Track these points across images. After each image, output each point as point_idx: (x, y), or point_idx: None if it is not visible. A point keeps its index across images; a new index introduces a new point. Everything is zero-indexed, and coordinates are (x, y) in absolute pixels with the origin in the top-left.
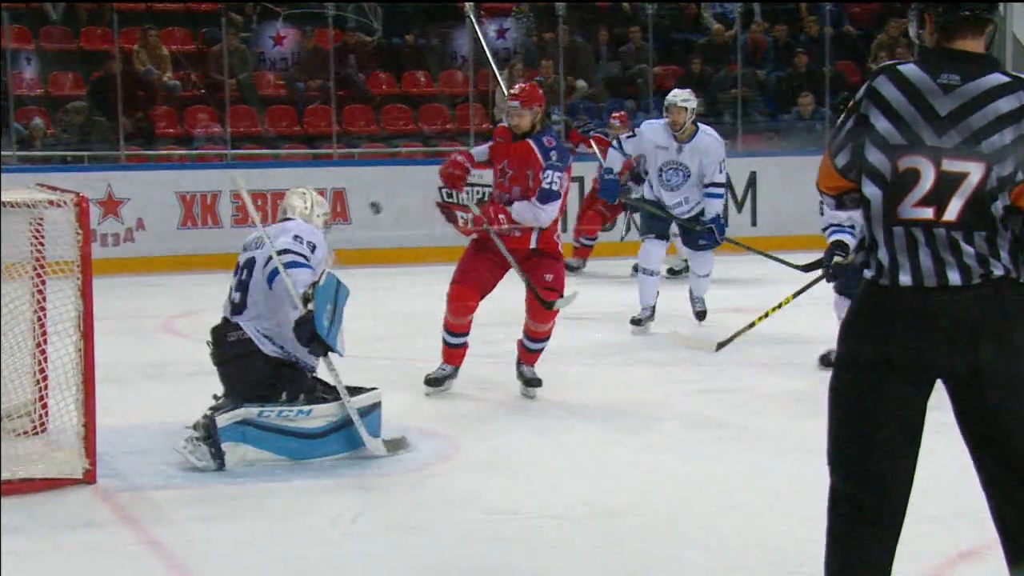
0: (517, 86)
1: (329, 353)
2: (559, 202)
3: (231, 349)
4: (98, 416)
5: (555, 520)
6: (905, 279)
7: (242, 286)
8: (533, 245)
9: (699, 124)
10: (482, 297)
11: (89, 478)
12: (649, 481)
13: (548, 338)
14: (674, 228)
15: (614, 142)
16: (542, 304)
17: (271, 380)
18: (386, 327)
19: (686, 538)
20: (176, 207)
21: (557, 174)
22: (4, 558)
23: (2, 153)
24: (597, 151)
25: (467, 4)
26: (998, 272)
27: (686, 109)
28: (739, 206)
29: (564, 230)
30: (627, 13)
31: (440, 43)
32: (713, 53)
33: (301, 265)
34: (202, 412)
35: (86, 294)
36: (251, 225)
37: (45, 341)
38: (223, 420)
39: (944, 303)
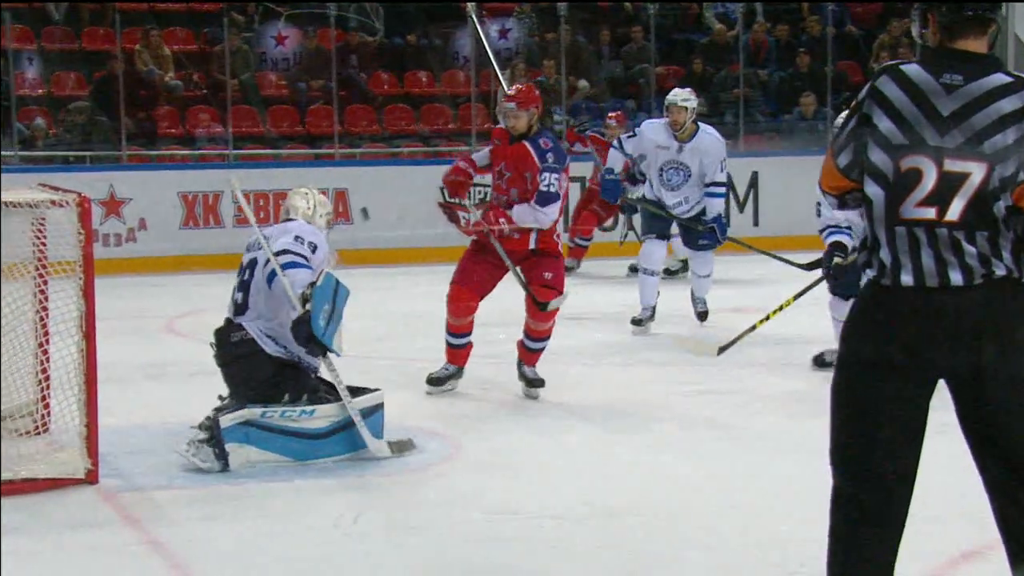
0: (513, 87)
1: (328, 353)
2: (559, 203)
3: (234, 350)
4: (100, 416)
5: (555, 520)
6: (907, 279)
7: (244, 286)
8: (532, 245)
9: (699, 123)
10: (482, 297)
11: (91, 478)
12: (649, 481)
13: (548, 337)
14: (674, 228)
15: (615, 142)
16: (537, 305)
17: (274, 380)
18: (387, 327)
19: (686, 538)
20: (178, 207)
21: (554, 176)
22: (5, 558)
23: (5, 153)
24: (593, 150)
25: (469, 4)
26: (1000, 272)
27: (686, 109)
28: (741, 206)
29: (565, 229)
30: (629, 13)
31: (442, 43)
32: (715, 53)
33: (299, 266)
34: (205, 412)
35: (88, 294)
36: (238, 225)
37: (47, 341)
38: (226, 421)
39: (946, 303)
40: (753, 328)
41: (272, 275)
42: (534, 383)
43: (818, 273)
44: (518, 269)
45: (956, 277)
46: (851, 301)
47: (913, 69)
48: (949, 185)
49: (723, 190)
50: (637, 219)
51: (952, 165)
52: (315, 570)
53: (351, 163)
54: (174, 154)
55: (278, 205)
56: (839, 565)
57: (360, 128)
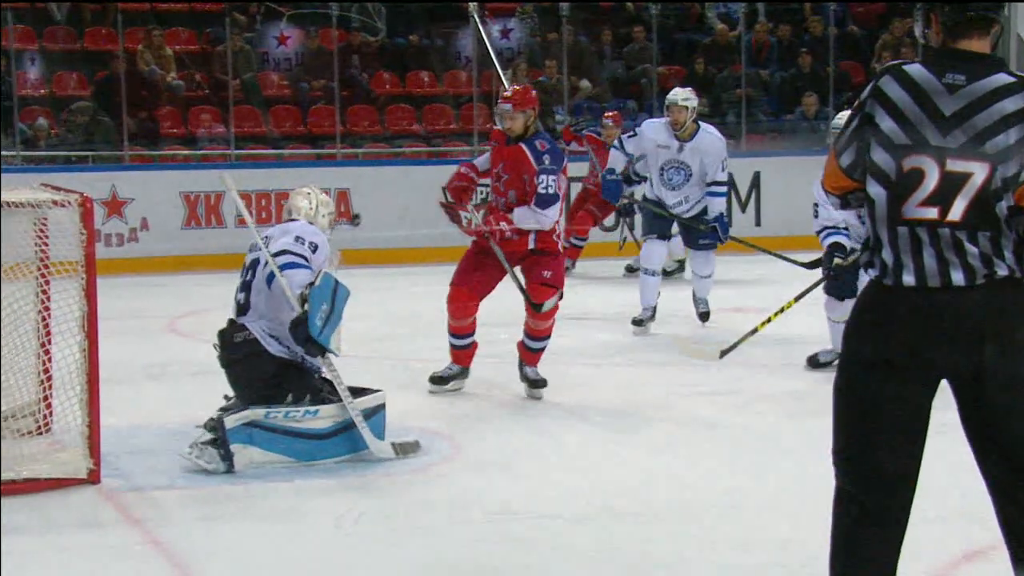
0: (510, 89)
1: (328, 354)
2: (558, 204)
3: (237, 350)
4: (102, 416)
5: (556, 520)
6: (909, 279)
7: (246, 287)
8: (531, 246)
9: (700, 123)
10: (481, 298)
11: (93, 478)
12: (649, 481)
13: (548, 337)
14: (675, 228)
15: (615, 142)
16: (532, 307)
17: (277, 380)
18: (388, 327)
19: (686, 538)
20: (180, 207)
21: (551, 177)
22: (6, 558)
23: (7, 153)
24: (590, 150)
25: (471, 4)
26: (1002, 272)
27: (687, 108)
28: (743, 206)
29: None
30: (631, 13)
31: (444, 43)
32: (717, 53)
33: (299, 266)
34: (206, 412)
35: (90, 294)
36: (239, 225)
37: (49, 341)
38: (231, 422)
39: (948, 303)
40: (755, 330)
41: (271, 276)
42: (537, 384)
43: (819, 274)
44: (517, 271)
45: (958, 277)
46: (846, 302)
47: (916, 69)
48: (951, 185)
49: (724, 189)
50: (634, 221)
51: (954, 165)
52: (316, 570)
53: (353, 163)
54: (176, 154)
55: (280, 205)
56: (841, 565)
57: (362, 128)
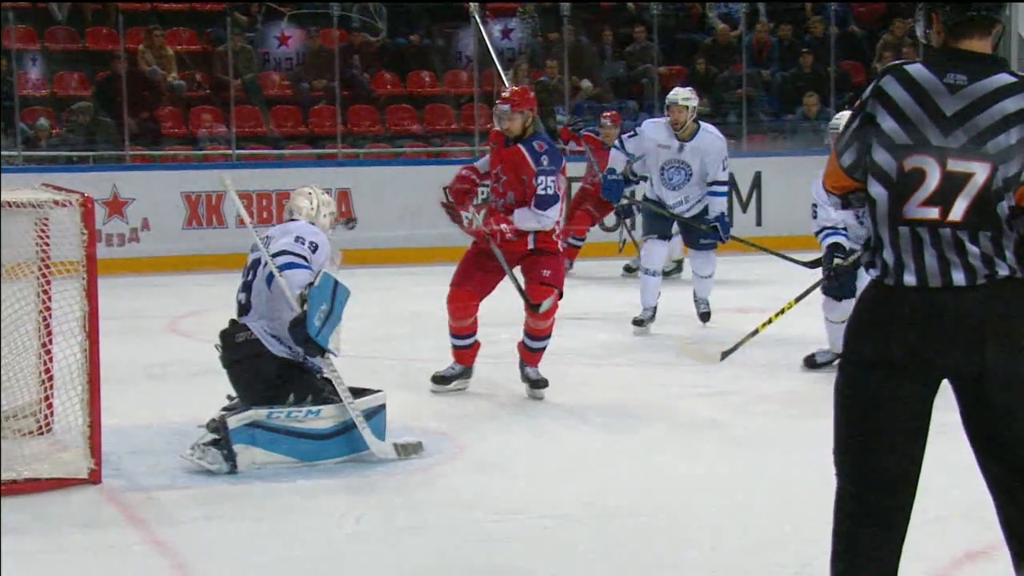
0: (507, 90)
1: (327, 354)
2: (559, 204)
3: (239, 350)
4: (103, 416)
5: (556, 520)
6: (910, 279)
7: (247, 287)
8: (531, 246)
9: (700, 122)
10: (482, 298)
11: (94, 478)
12: (649, 481)
13: (548, 336)
14: (675, 228)
15: (616, 142)
16: (530, 307)
17: (279, 380)
18: (389, 327)
19: (687, 538)
20: (181, 207)
21: (550, 178)
22: (7, 558)
23: (8, 153)
24: (588, 150)
25: (472, 4)
26: (1003, 272)
27: (687, 108)
28: (744, 206)
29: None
30: (632, 13)
31: (445, 43)
32: (718, 53)
33: (298, 266)
34: (207, 412)
35: (91, 294)
36: (240, 226)
37: (50, 341)
38: (234, 422)
39: (949, 303)
40: (755, 332)
41: (271, 276)
42: (538, 384)
43: (819, 275)
44: (516, 273)
45: (959, 277)
46: (844, 302)
47: (917, 69)
48: (952, 185)
49: (725, 189)
50: (634, 222)
51: (955, 165)
52: (317, 570)
53: (354, 163)
54: (177, 154)
55: (281, 205)
56: (842, 565)
57: (363, 128)
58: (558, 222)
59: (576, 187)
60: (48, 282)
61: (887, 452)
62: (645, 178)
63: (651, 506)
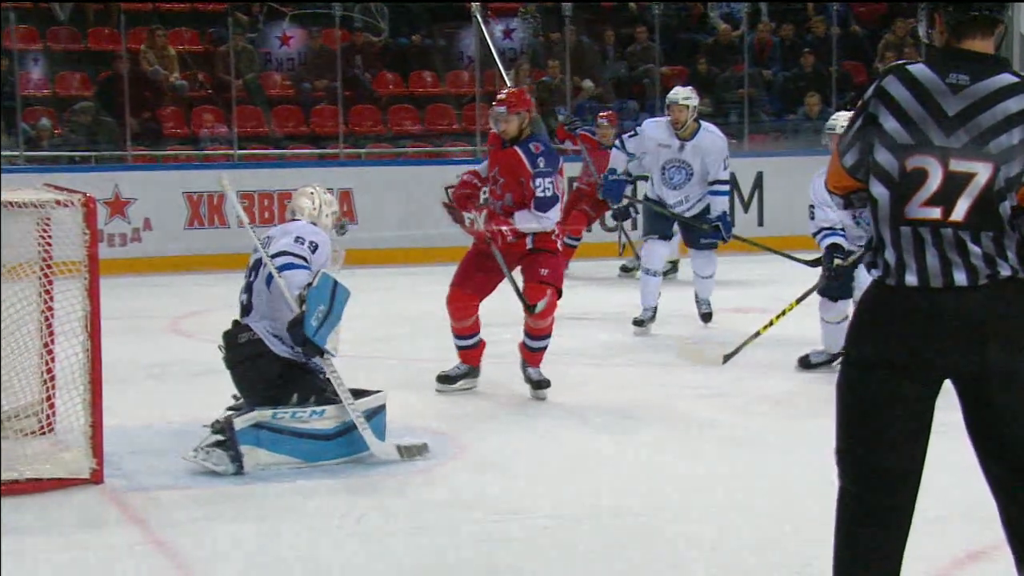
0: (503, 91)
1: (326, 355)
2: (558, 204)
3: (242, 351)
4: (104, 416)
5: (557, 520)
6: (911, 279)
7: (249, 288)
8: (530, 246)
9: (701, 122)
10: (482, 298)
11: (96, 478)
12: (649, 481)
13: (549, 336)
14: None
15: (616, 142)
16: (526, 308)
17: (281, 381)
18: (389, 327)
19: (687, 538)
20: (183, 207)
21: (548, 180)
22: (9, 558)
23: (10, 153)
24: (584, 149)
25: (473, 4)
26: (1005, 273)
27: (687, 107)
28: (746, 206)
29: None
30: (634, 13)
31: (446, 43)
32: (719, 53)
33: (297, 267)
34: (208, 412)
35: (93, 294)
36: (240, 227)
37: (52, 341)
38: (240, 423)
39: (950, 303)
40: (757, 334)
41: (270, 277)
42: (540, 384)
43: (819, 278)
44: (514, 275)
45: (961, 277)
46: (840, 303)
47: (919, 69)
48: (954, 185)
49: (727, 188)
50: (628, 225)
51: (958, 165)
52: (318, 570)
53: (355, 163)
54: (178, 154)
55: (283, 205)
56: (844, 565)
57: (365, 128)
58: (558, 222)
59: (573, 187)
60: (50, 282)
61: (888, 452)
62: (645, 177)
63: (651, 506)
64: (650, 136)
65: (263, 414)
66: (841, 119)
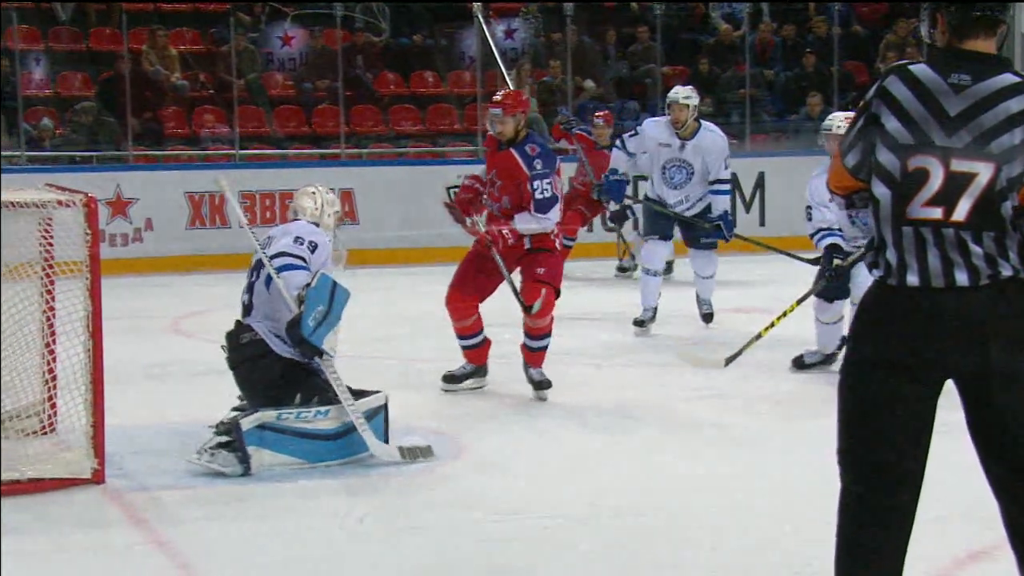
0: (499, 93)
1: (324, 355)
2: (558, 204)
3: (244, 351)
4: (106, 416)
5: (557, 520)
6: (913, 279)
7: (250, 288)
8: (528, 246)
9: (701, 121)
10: (482, 299)
11: (97, 478)
12: (649, 481)
13: (549, 335)
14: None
15: (617, 142)
16: (524, 309)
17: (283, 381)
18: (389, 327)
19: (687, 538)
20: (184, 207)
21: (546, 181)
22: (10, 558)
23: (12, 153)
24: (580, 149)
25: (475, 4)
26: (1006, 273)
27: (688, 106)
28: (747, 206)
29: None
30: (635, 13)
31: (448, 43)
32: (721, 53)
33: (295, 267)
34: (209, 412)
35: (94, 294)
36: (240, 227)
37: (54, 341)
38: (246, 424)
39: (951, 304)
40: (758, 336)
41: (270, 277)
42: (542, 385)
43: (819, 278)
44: (512, 277)
45: (962, 277)
46: (836, 303)
47: (921, 69)
48: (956, 185)
49: (728, 187)
50: (627, 228)
51: (959, 165)
52: (319, 570)
53: (357, 163)
54: (180, 154)
55: (284, 205)
56: (846, 565)
57: (366, 128)
58: (557, 222)
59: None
60: (52, 282)
61: (889, 452)
62: (643, 178)
63: (651, 506)
64: (650, 135)
65: (267, 415)
66: (837, 119)
